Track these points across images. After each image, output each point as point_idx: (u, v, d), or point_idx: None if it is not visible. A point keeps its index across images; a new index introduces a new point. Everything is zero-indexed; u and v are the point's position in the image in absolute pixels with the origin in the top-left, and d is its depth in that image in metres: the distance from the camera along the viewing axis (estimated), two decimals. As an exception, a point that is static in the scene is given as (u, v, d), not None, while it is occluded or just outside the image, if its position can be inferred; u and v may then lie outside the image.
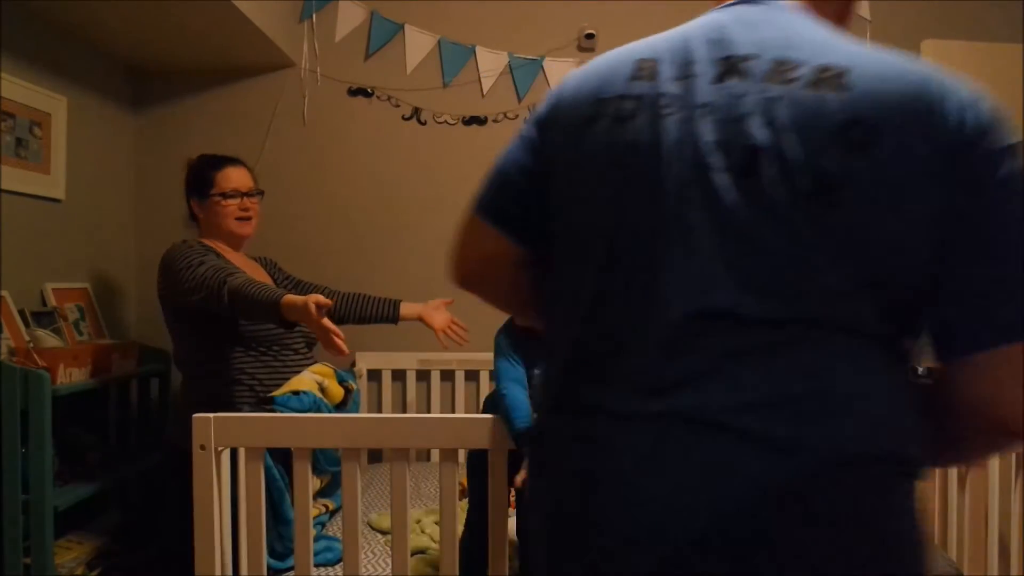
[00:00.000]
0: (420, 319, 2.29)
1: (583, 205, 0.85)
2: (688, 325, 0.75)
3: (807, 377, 0.73)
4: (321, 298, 1.61)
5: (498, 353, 1.55)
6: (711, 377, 0.74)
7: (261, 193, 2.16)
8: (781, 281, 0.74)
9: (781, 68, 0.76)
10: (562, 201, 0.88)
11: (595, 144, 0.84)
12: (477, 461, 1.52)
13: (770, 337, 0.74)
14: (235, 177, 2.08)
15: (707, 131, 0.77)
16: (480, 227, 0.95)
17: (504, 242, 0.94)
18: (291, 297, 1.66)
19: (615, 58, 0.88)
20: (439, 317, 2.28)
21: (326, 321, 1.61)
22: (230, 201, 2.06)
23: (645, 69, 0.83)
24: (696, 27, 0.85)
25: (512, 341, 1.53)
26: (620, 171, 0.81)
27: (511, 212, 0.93)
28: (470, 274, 1.01)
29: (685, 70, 0.81)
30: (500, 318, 1.60)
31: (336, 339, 1.62)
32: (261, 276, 2.15)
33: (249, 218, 2.11)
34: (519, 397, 1.42)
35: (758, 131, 0.74)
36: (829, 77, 0.74)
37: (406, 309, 2.31)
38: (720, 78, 0.78)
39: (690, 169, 0.77)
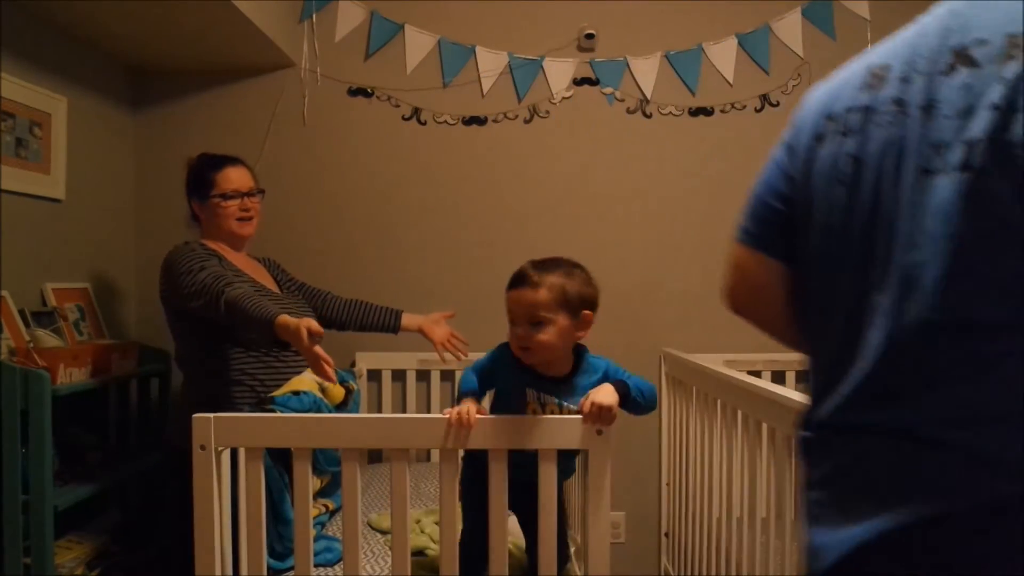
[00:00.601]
0: (420, 331, 2.30)
1: (820, 226, 0.86)
2: (908, 335, 0.74)
3: None
4: (315, 324, 1.62)
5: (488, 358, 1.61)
6: (926, 390, 0.73)
7: (262, 192, 2.16)
8: (1007, 285, 0.68)
9: (1014, 42, 0.69)
10: (806, 223, 0.89)
11: (824, 162, 0.84)
12: (473, 471, 1.52)
13: (992, 346, 0.70)
14: (235, 177, 2.08)
15: (931, 132, 0.74)
16: (746, 254, 0.97)
17: (772, 265, 0.95)
18: (285, 319, 1.67)
19: (849, 69, 0.88)
20: (439, 330, 2.28)
21: (318, 349, 1.62)
22: (230, 202, 2.06)
23: (875, 76, 0.82)
24: (934, 16, 0.80)
25: (501, 364, 1.58)
26: (846, 188, 0.81)
27: (773, 237, 0.94)
28: (746, 303, 1.03)
29: (913, 69, 0.78)
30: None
31: (326, 366, 1.63)
32: (263, 278, 2.15)
33: (250, 218, 2.11)
34: (468, 377, 1.56)
35: (980, 121, 0.69)
36: None
37: (407, 320, 2.32)
38: (950, 70, 0.74)
39: (912, 176, 0.75)
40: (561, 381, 1.54)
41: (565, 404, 1.52)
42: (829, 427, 0.82)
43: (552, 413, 1.51)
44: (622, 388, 1.46)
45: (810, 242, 0.88)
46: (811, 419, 0.86)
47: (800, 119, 0.92)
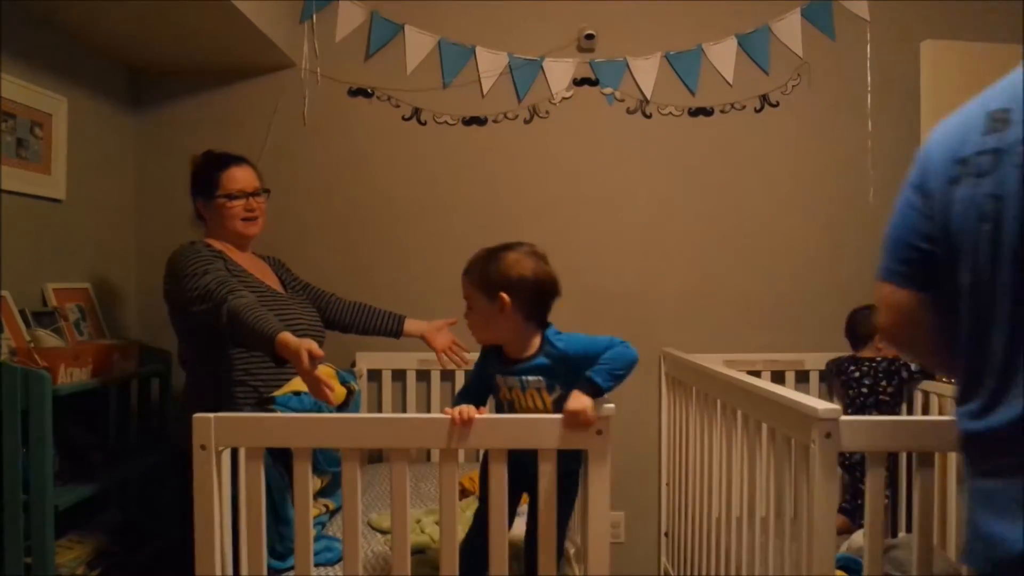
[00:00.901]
0: (422, 337, 2.31)
1: (969, 259, 0.91)
2: None
3: None
4: (315, 347, 1.61)
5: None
6: None
7: (267, 192, 2.15)
8: None
9: None
10: (953, 257, 0.94)
11: (963, 203, 0.91)
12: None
13: None
14: (240, 177, 2.08)
15: None
16: (900, 293, 1.03)
17: (924, 299, 1.01)
18: (286, 337, 1.64)
19: (968, 114, 0.94)
20: (441, 338, 2.29)
21: (317, 372, 1.62)
22: (235, 202, 2.06)
23: (996, 120, 0.88)
24: None
25: (482, 358, 1.69)
26: (991, 223, 0.88)
27: (921, 273, 1.00)
28: (906, 337, 1.09)
29: None
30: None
31: (325, 389, 1.63)
32: (268, 277, 2.15)
33: (255, 218, 2.10)
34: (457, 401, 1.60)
35: None
36: None
37: (410, 326, 2.33)
38: None
39: None
40: (523, 362, 1.58)
41: (524, 379, 1.57)
42: (1008, 434, 0.88)
43: (517, 395, 1.58)
44: (592, 389, 1.46)
45: (960, 274, 0.93)
46: (982, 425, 0.92)
47: (927, 163, 0.98)
